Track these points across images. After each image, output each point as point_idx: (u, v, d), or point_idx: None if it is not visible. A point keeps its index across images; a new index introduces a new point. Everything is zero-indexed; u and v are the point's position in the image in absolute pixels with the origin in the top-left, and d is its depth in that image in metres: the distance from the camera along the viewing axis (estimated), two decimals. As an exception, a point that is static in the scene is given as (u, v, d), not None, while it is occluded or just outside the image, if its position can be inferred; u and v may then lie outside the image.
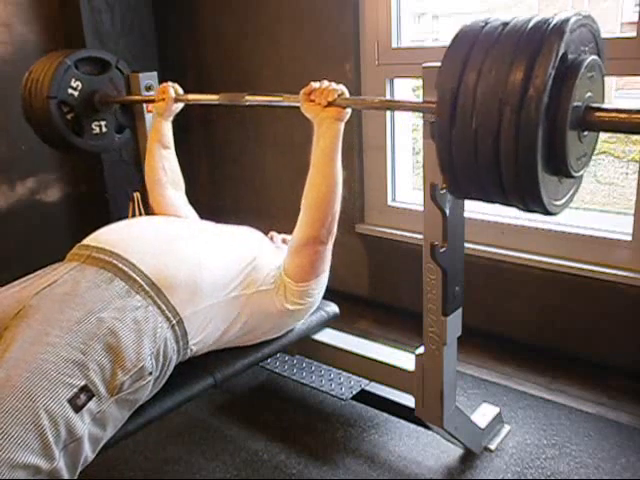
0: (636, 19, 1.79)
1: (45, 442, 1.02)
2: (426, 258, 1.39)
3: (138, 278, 1.30)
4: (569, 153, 0.97)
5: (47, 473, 1.02)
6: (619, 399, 1.88)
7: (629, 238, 1.93)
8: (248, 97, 1.59)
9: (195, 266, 1.38)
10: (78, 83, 2.04)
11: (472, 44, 0.97)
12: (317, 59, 2.49)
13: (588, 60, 0.96)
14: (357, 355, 1.73)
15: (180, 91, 1.87)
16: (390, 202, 2.48)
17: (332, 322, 1.82)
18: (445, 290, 1.39)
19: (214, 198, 3.13)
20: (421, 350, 1.51)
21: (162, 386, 1.33)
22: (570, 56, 0.94)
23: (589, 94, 0.99)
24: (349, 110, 1.42)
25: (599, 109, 0.99)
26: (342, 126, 1.44)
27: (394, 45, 2.28)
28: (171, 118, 1.90)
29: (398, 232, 2.39)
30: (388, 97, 1.31)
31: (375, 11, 2.28)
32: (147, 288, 1.29)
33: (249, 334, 1.50)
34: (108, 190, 2.80)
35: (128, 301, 1.25)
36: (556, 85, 0.90)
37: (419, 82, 1.32)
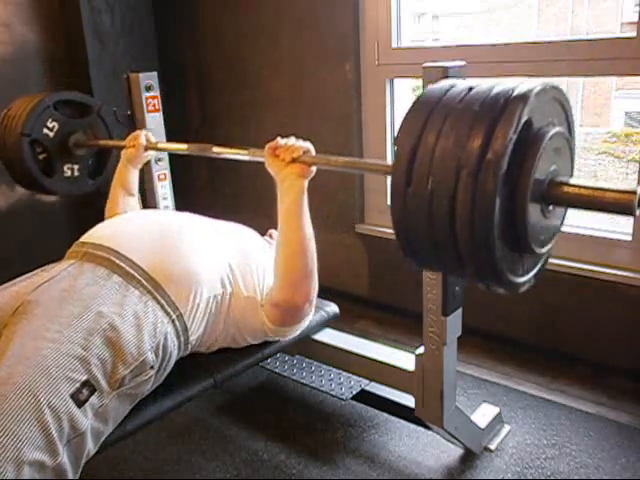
0: (636, 19, 1.79)
1: (49, 438, 1.02)
2: (426, 258, 1.39)
3: (136, 273, 1.30)
4: (530, 227, 0.92)
5: (51, 469, 1.03)
6: (619, 399, 1.88)
7: (629, 238, 1.93)
8: (215, 148, 1.61)
9: (191, 261, 1.39)
10: (55, 124, 2.02)
11: (435, 104, 0.94)
12: (317, 59, 2.49)
13: (554, 131, 0.92)
14: (357, 355, 1.73)
15: (152, 139, 1.85)
16: (390, 201, 2.48)
17: (332, 322, 1.82)
18: (445, 290, 1.39)
19: (214, 198, 3.13)
20: (421, 350, 1.51)
21: (162, 386, 1.33)
22: (535, 125, 0.91)
23: (554, 167, 0.95)
24: (314, 168, 1.39)
25: (563, 184, 0.95)
26: (306, 183, 1.38)
27: (394, 45, 2.28)
28: (139, 166, 1.88)
29: (398, 232, 2.39)
30: (354, 158, 1.29)
31: (375, 11, 2.28)
32: (145, 283, 1.29)
33: (238, 337, 1.49)
34: (108, 190, 2.80)
35: (127, 296, 1.25)
36: (517, 152, 0.86)
37: (419, 82, 1.32)
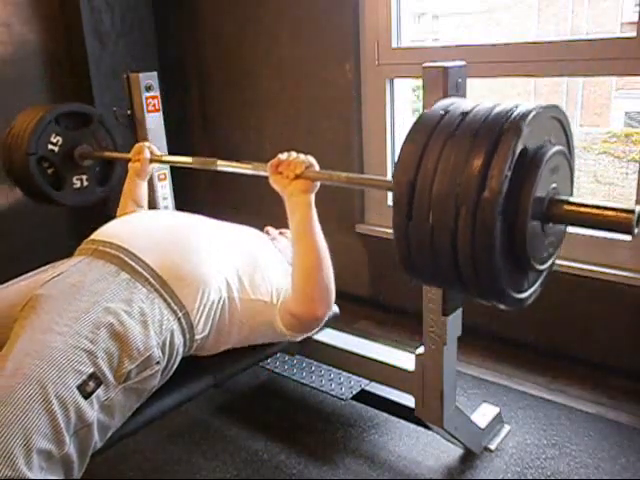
0: (636, 19, 1.79)
1: (56, 428, 1.04)
2: (426, 258, 1.39)
3: (144, 272, 1.31)
4: (531, 246, 0.93)
5: (58, 458, 1.04)
6: (619, 399, 1.88)
7: (629, 238, 1.93)
8: (220, 162, 1.62)
9: (200, 261, 1.40)
10: (59, 138, 2.03)
11: (430, 135, 0.94)
12: (317, 59, 2.49)
13: (550, 153, 0.93)
14: (357, 355, 1.73)
15: (156, 151, 1.88)
16: (390, 202, 2.48)
17: (332, 322, 1.82)
18: (445, 290, 1.39)
19: (214, 198, 3.13)
20: (421, 350, 1.51)
21: (163, 386, 1.33)
22: (532, 146, 0.91)
23: (554, 185, 0.96)
24: (317, 183, 1.39)
25: (563, 202, 0.96)
26: (312, 197, 1.40)
27: (394, 45, 2.28)
28: (147, 178, 1.90)
29: (398, 232, 2.39)
30: (356, 174, 1.33)
31: (375, 11, 2.28)
32: (152, 281, 1.31)
33: (246, 339, 1.50)
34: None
35: (134, 293, 1.27)
36: (515, 182, 0.87)
37: (419, 82, 1.32)
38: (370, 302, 2.60)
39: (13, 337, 1.16)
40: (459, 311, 1.46)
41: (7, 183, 2.65)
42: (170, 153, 2.31)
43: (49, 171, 2.06)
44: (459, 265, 0.92)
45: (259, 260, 1.52)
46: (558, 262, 1.98)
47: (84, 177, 2.15)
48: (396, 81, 2.36)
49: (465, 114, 0.94)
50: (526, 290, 1.03)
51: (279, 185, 1.41)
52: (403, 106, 2.42)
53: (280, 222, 1.88)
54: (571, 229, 2.01)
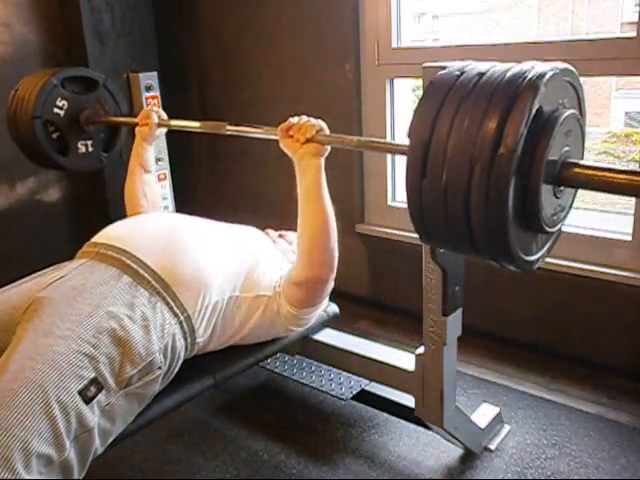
0: (636, 19, 1.79)
1: (57, 432, 1.04)
2: (426, 258, 1.39)
3: (146, 274, 1.31)
4: (542, 210, 0.94)
5: (58, 464, 1.04)
6: (619, 399, 1.88)
7: (629, 238, 1.93)
8: (229, 127, 1.60)
9: (201, 263, 1.40)
10: (64, 102, 2.02)
11: (446, 94, 0.94)
12: (317, 59, 2.49)
13: (564, 115, 0.93)
14: (357, 355, 1.73)
15: (164, 116, 1.87)
16: (390, 202, 2.48)
17: (332, 322, 1.82)
18: (445, 290, 1.39)
19: (214, 198, 3.13)
20: (421, 350, 1.51)
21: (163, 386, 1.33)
22: (546, 109, 0.91)
23: (566, 149, 0.96)
24: (328, 147, 1.39)
25: (575, 165, 0.96)
26: (322, 161, 1.39)
27: (394, 45, 2.28)
28: (154, 142, 1.91)
29: (398, 232, 2.39)
30: (369, 138, 1.31)
31: (375, 11, 2.28)
32: (154, 284, 1.31)
33: (249, 336, 1.50)
34: (108, 190, 2.80)
35: (136, 297, 1.27)
36: (530, 142, 0.87)
37: (419, 82, 1.32)
38: (370, 302, 2.60)
39: (15, 340, 1.16)
40: (459, 311, 1.46)
41: (7, 183, 2.66)
42: (170, 151, 2.31)
43: (54, 135, 2.05)
44: (471, 225, 0.92)
45: (260, 261, 1.52)
46: (558, 262, 2.01)
47: (89, 142, 2.13)
48: (396, 81, 2.36)
49: (481, 74, 0.94)
50: (535, 253, 1.03)
51: (289, 149, 1.41)
52: (403, 106, 2.42)
53: (279, 222, 1.88)
54: (571, 229, 2.02)
